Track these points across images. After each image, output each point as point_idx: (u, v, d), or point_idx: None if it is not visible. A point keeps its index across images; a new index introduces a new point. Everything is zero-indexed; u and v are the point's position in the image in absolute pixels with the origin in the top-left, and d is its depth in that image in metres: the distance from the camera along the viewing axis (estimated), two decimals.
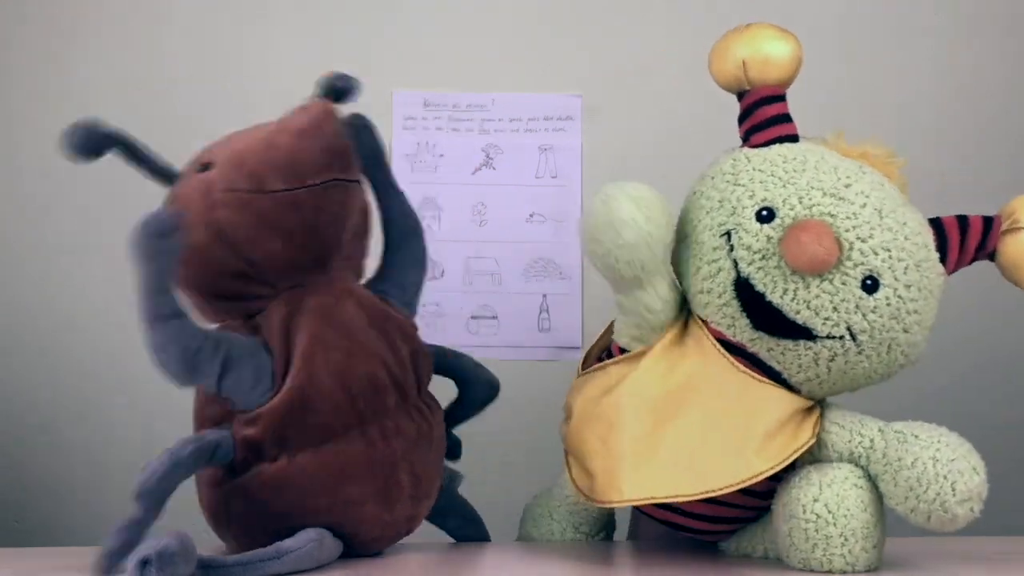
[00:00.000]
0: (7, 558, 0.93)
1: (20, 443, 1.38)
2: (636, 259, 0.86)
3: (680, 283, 0.92)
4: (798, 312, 0.85)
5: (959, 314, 1.22)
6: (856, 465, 0.86)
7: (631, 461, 0.86)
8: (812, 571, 0.85)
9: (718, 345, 0.89)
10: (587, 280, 1.37)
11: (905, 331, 0.87)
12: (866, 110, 1.42)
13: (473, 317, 1.38)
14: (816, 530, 0.83)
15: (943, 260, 0.90)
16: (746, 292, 0.87)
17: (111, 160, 0.93)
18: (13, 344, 1.40)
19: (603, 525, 1.03)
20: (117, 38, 1.42)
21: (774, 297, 0.86)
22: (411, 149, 1.39)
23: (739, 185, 0.89)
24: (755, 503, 0.90)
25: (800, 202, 0.86)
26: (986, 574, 0.87)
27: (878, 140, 0.92)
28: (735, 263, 0.87)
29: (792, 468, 0.88)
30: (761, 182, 0.88)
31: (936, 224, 0.91)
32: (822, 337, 0.86)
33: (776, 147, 0.91)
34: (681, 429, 0.86)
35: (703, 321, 0.90)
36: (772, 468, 0.85)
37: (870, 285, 0.85)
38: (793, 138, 0.92)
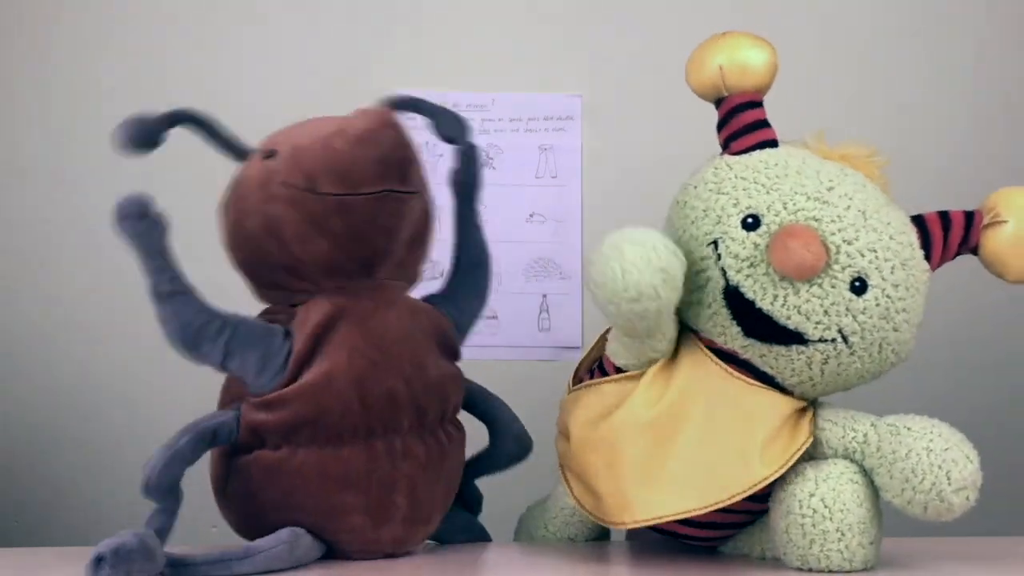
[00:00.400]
0: (7, 558, 0.93)
1: (20, 443, 1.39)
2: (653, 324, 0.86)
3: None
4: (789, 317, 0.85)
5: (949, 310, 1.23)
6: (851, 460, 0.86)
7: (638, 482, 0.86)
8: (810, 569, 0.85)
9: (710, 353, 0.89)
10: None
11: (895, 330, 0.87)
12: (868, 110, 1.42)
13: None
14: (813, 525, 0.84)
15: (927, 257, 0.90)
16: (736, 300, 0.87)
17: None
18: (13, 344, 1.40)
19: (597, 536, 1.03)
20: (117, 38, 1.42)
21: (764, 304, 0.86)
22: None
23: (723, 194, 0.89)
24: (761, 507, 0.90)
25: (785, 208, 0.86)
26: (986, 574, 0.87)
27: (859, 140, 0.93)
28: (723, 272, 0.87)
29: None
30: (744, 189, 0.88)
31: (919, 221, 0.91)
32: (814, 341, 0.86)
33: (757, 153, 0.91)
34: (683, 445, 0.86)
35: (694, 331, 0.90)
36: (776, 472, 0.85)
37: (858, 287, 0.85)
38: (773, 143, 0.93)
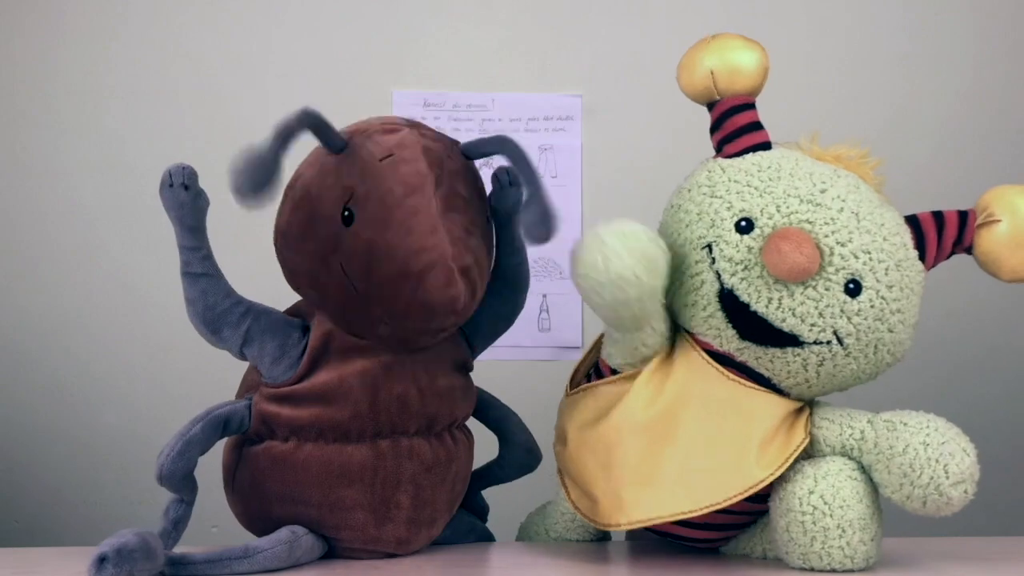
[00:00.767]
0: (7, 558, 0.93)
1: (20, 443, 1.39)
2: (639, 312, 0.86)
3: (664, 297, 0.92)
4: (784, 320, 0.86)
5: (947, 310, 1.23)
6: (849, 458, 0.86)
7: (634, 484, 0.86)
8: (812, 568, 0.85)
9: (706, 356, 0.89)
10: None
11: (890, 331, 0.87)
12: (868, 110, 1.42)
13: None
14: (813, 522, 0.84)
15: (922, 257, 0.90)
16: (731, 303, 0.87)
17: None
18: (13, 345, 1.40)
19: (598, 541, 1.03)
20: (117, 38, 1.42)
21: (759, 307, 0.86)
22: None
23: (716, 197, 0.89)
24: (760, 508, 0.90)
25: (778, 210, 0.86)
26: (985, 574, 0.87)
27: (853, 140, 0.93)
28: (718, 275, 0.87)
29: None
30: (738, 193, 0.88)
31: (913, 221, 0.91)
32: (809, 343, 0.86)
33: (750, 156, 0.91)
34: (679, 447, 0.86)
35: (690, 333, 0.91)
36: (772, 474, 0.85)
37: (853, 289, 0.85)
38: (766, 146, 0.92)
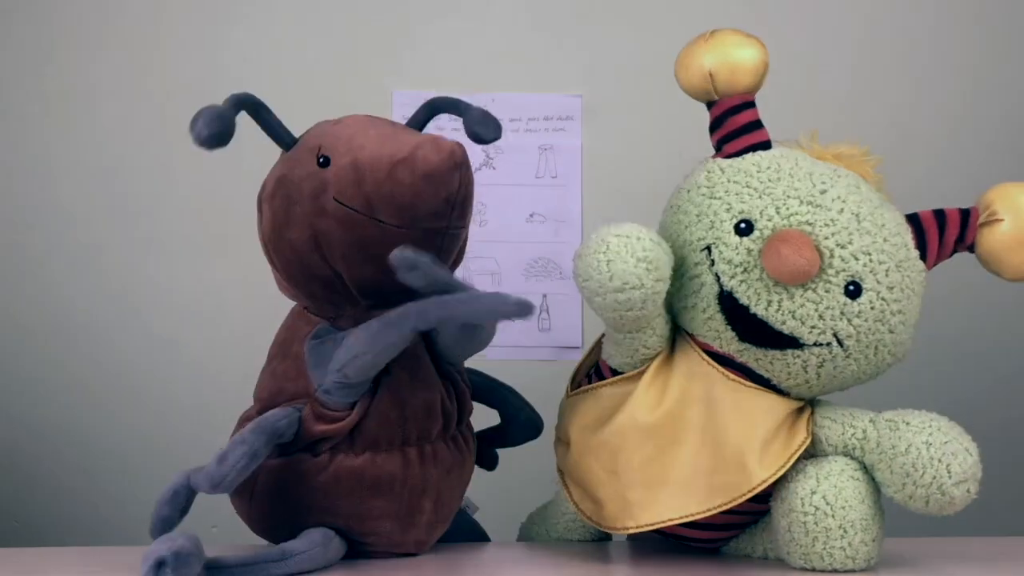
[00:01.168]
0: (7, 558, 0.93)
1: (20, 443, 1.39)
2: (641, 315, 0.85)
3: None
4: (784, 323, 0.85)
5: (950, 310, 1.23)
6: (851, 457, 0.86)
7: (641, 487, 0.86)
8: (813, 568, 0.85)
9: (706, 357, 0.89)
10: None
11: (891, 331, 0.87)
12: (869, 109, 1.42)
13: None
14: (815, 523, 0.84)
15: (923, 256, 0.90)
16: (730, 305, 0.87)
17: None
18: (14, 345, 1.40)
19: (600, 541, 1.03)
20: (117, 39, 1.42)
21: (759, 309, 0.86)
22: None
23: (715, 198, 0.89)
24: (762, 507, 0.90)
25: (777, 212, 0.86)
26: (984, 574, 0.87)
27: (853, 139, 0.92)
28: (717, 277, 0.87)
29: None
30: (737, 194, 0.88)
31: (914, 220, 0.91)
32: (809, 345, 0.86)
33: (750, 156, 0.91)
34: (685, 449, 0.86)
35: (690, 334, 0.91)
36: (774, 475, 0.85)
37: (853, 290, 0.85)
38: (766, 145, 0.92)
